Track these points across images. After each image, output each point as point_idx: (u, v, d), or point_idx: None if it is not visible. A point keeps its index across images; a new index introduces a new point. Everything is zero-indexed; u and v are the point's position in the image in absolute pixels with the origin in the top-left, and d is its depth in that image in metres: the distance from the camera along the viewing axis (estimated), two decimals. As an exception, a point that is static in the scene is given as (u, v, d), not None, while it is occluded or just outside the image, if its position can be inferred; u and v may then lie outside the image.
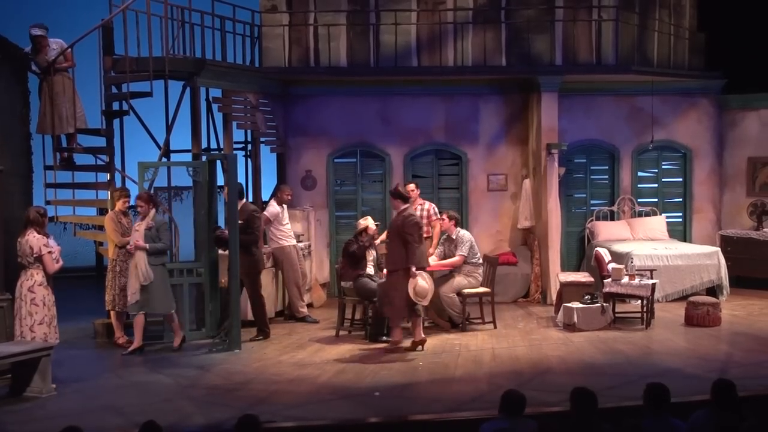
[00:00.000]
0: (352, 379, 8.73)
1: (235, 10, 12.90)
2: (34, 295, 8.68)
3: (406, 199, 10.26)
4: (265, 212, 11.98)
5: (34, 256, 8.65)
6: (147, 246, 9.84)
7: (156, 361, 9.64)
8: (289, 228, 12.15)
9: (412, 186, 12.24)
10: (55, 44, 10.95)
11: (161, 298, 10.00)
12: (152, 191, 11.39)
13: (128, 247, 9.96)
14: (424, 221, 12.01)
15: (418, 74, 13.67)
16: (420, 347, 9.97)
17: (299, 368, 9.22)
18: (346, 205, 14.42)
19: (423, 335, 10.02)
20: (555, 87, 13.39)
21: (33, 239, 8.65)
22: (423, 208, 12.13)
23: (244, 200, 10.53)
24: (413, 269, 9.72)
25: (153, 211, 10.09)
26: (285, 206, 12.14)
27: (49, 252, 8.68)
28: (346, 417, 7.38)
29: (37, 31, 10.92)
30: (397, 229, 9.92)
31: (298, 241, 12.37)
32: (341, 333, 10.92)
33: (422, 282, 9.77)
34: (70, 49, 10.99)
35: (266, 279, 11.68)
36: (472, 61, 13.46)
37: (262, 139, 13.74)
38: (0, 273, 8.90)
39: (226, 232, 10.30)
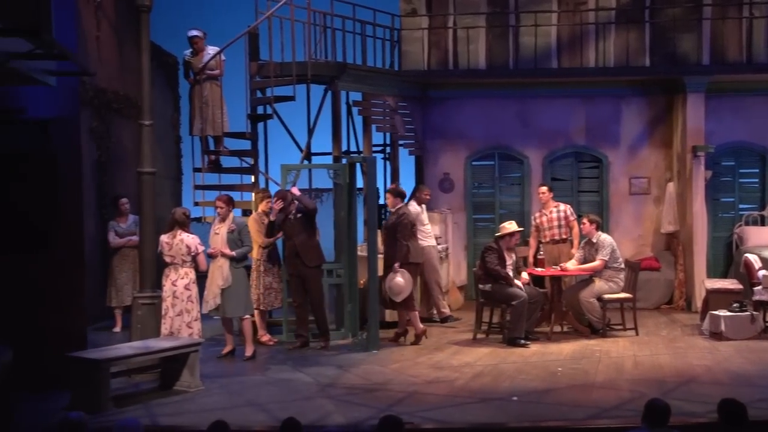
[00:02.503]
0: (490, 383, 8.68)
1: (375, 15, 13.05)
2: (190, 292, 9.01)
3: (403, 196, 10.75)
4: None
5: (192, 254, 8.98)
6: (234, 253, 9.56)
7: (297, 360, 9.83)
8: (429, 229, 12.03)
9: (543, 189, 12.05)
10: (212, 50, 11.37)
11: (239, 302, 9.69)
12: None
13: (209, 251, 9.64)
14: (562, 222, 11.82)
15: (558, 76, 13.50)
16: (424, 338, 10.63)
17: (436, 370, 9.23)
18: (483, 207, 14.34)
19: (422, 326, 10.70)
20: (702, 87, 12.94)
21: (188, 239, 8.98)
22: (558, 210, 11.88)
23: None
24: (396, 265, 10.33)
25: (232, 213, 9.88)
26: (424, 206, 12.12)
27: (203, 251, 9.01)
28: (484, 421, 7.35)
29: (193, 32, 11.36)
30: (392, 227, 10.52)
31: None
32: (479, 336, 10.87)
33: (399, 279, 10.31)
34: (222, 58, 11.36)
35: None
36: (614, 62, 13.21)
37: (400, 142, 13.85)
38: (153, 271, 9.23)
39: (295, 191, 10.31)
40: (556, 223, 11.83)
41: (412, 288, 10.53)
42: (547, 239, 11.86)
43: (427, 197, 12.25)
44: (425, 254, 11.80)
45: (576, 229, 11.77)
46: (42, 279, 8.43)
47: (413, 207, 11.80)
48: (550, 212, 11.90)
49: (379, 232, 11.01)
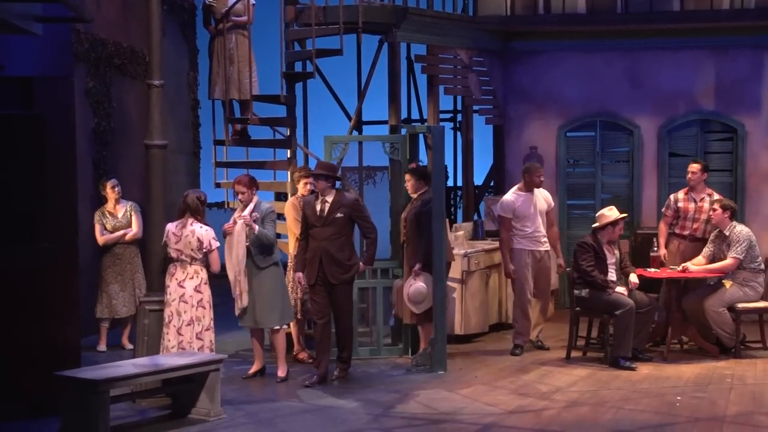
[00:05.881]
0: (588, 414, 8.63)
1: (445, -55, 13.04)
2: (201, 295, 8.99)
3: (428, 178, 10.43)
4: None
5: (204, 251, 8.98)
6: (256, 228, 9.48)
7: (343, 382, 9.89)
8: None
9: (696, 167, 11.55)
10: None
11: (274, 308, 9.73)
12: (340, 172, 11.66)
13: (225, 226, 9.58)
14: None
15: (681, 21, 13.39)
16: None
17: (520, 397, 9.22)
18: (581, 191, 14.25)
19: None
20: None
21: (201, 231, 8.96)
22: (712, 198, 11.40)
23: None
24: (417, 267, 10.32)
25: (256, 197, 9.80)
26: (539, 192, 11.42)
27: (218, 248, 9.01)
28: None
29: None
30: (415, 219, 10.41)
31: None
32: (573, 354, 10.83)
33: (420, 284, 10.27)
34: (251, 2, 11.41)
35: (477, 284, 11.73)
36: (756, 3, 13.01)
37: (475, 108, 13.82)
38: (158, 270, 9.29)
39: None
40: (704, 216, 11.40)
41: None
42: (686, 232, 11.51)
43: (541, 180, 11.47)
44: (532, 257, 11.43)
45: None
46: (27, 279, 8.55)
47: (514, 194, 11.37)
48: (702, 200, 11.47)
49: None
